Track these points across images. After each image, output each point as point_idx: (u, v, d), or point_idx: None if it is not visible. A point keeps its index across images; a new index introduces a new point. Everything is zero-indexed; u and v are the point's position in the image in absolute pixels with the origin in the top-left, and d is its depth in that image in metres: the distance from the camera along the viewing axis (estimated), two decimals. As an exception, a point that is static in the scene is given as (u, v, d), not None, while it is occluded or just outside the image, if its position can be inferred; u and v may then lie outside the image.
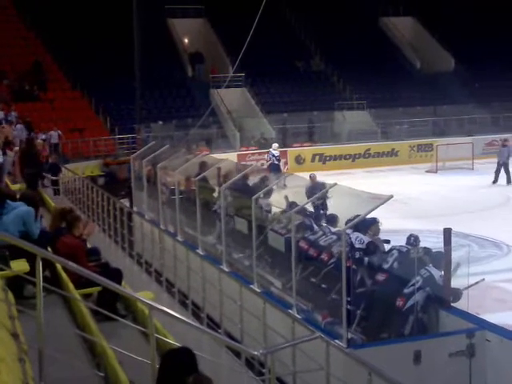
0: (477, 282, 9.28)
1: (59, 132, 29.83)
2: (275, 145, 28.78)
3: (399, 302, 9.03)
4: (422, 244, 9.97)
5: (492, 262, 14.71)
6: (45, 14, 36.96)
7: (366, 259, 9.67)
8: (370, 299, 9.33)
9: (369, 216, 9.32)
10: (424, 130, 35.55)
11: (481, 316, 8.90)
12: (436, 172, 30.50)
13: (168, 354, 5.12)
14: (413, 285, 9.00)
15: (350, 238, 9.56)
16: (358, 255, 9.59)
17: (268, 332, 8.77)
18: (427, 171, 30.95)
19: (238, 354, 8.42)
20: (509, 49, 41.18)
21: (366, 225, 9.91)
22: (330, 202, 11.72)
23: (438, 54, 42.42)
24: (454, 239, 9.15)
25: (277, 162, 27.92)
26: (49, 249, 8.67)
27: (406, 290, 9.05)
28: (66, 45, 35.85)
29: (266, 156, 29.30)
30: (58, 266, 8.28)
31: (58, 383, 5.66)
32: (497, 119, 37.01)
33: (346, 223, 9.74)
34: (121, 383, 5.58)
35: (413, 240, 9.96)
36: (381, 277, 9.41)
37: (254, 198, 11.13)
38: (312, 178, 16.35)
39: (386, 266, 9.54)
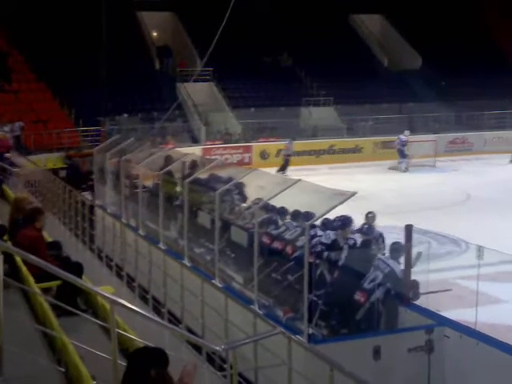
0: (440, 291, 9.45)
1: (21, 123, 29.44)
2: (407, 131, 31.16)
3: (360, 298, 9.12)
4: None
5: (451, 258, 14.92)
6: (9, 4, 36.36)
7: (326, 253, 9.76)
8: (329, 294, 9.41)
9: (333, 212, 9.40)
10: (389, 126, 35.79)
11: (440, 312, 9.02)
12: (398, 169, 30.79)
13: (137, 352, 5.09)
14: (373, 280, 9.11)
15: (319, 235, 9.69)
16: (319, 248, 9.69)
17: (229, 327, 8.79)
18: (390, 168, 31.23)
19: (199, 349, 8.43)
20: (473, 48, 41.77)
21: (344, 223, 10.03)
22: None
23: (405, 51, 42.71)
24: (413, 236, 9.26)
25: (401, 148, 30.55)
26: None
27: (366, 286, 9.15)
28: (31, 36, 35.37)
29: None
30: (18, 259, 8.19)
31: (18, 379, 5.62)
32: (460, 118, 37.46)
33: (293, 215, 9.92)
34: (82, 378, 5.55)
35: (366, 228, 10.10)
36: (336, 273, 9.52)
37: (218, 192, 11.14)
38: (370, 218, 11.66)
39: (340, 263, 9.66)
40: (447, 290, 9.64)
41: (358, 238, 9.89)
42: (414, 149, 30.92)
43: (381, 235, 10.59)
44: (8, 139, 25.41)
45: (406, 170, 30.30)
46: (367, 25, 44.80)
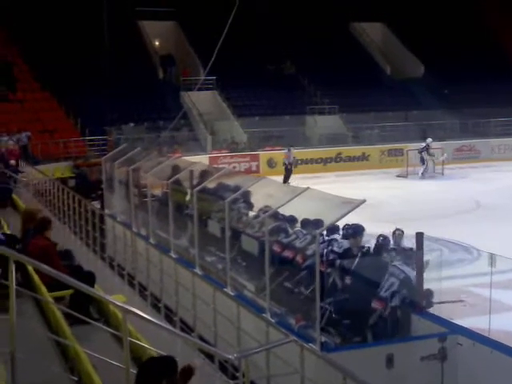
0: (455, 301, 9.40)
1: (28, 133, 29.55)
2: (429, 139, 31.26)
3: (378, 307, 9.06)
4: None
5: (462, 266, 14.86)
6: (14, 14, 36.57)
7: (338, 261, 9.71)
8: (341, 302, 9.36)
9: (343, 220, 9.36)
10: (395, 134, 35.80)
11: (453, 320, 8.97)
12: (406, 177, 30.76)
13: (147, 362, 5.07)
14: (389, 288, 9.06)
15: (330, 243, 9.64)
16: (331, 256, 9.65)
17: (242, 335, 8.75)
18: (398, 176, 31.21)
19: (211, 357, 8.39)
20: (477, 55, 41.76)
21: (356, 231, 9.98)
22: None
23: (407, 59, 42.80)
24: (425, 243, 9.22)
25: (419, 154, 30.78)
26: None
27: (383, 294, 9.10)
28: (35, 45, 35.56)
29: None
30: (30, 268, 8.19)
31: (31, 387, 5.60)
32: (466, 125, 37.43)
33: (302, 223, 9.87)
34: (95, 387, 5.54)
35: (381, 240, 10.03)
36: (347, 280, 9.46)
37: (227, 201, 11.13)
38: (398, 235, 11.04)
39: (351, 270, 9.61)
40: (460, 301, 9.57)
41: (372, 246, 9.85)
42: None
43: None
44: (17, 149, 25.53)
45: (422, 176, 30.33)
46: (368, 33, 44.94)
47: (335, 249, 9.74)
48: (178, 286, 10.61)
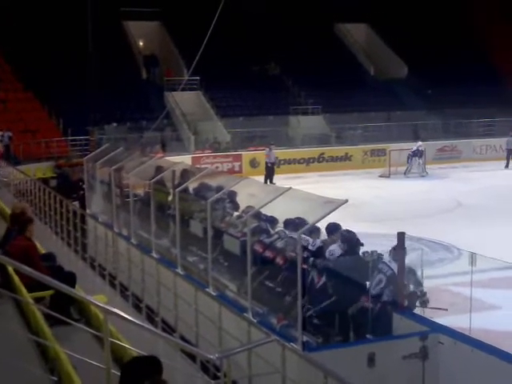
0: (439, 308, 9.45)
1: (9, 133, 29.38)
2: (419, 141, 32.08)
3: (368, 305, 9.07)
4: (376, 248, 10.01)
5: (443, 265, 14.96)
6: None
7: (312, 259, 9.71)
8: (321, 301, 9.35)
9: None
10: (378, 135, 35.95)
11: (433, 319, 9.01)
12: (389, 177, 30.89)
13: (131, 362, 5.05)
14: (378, 284, 9.10)
15: (307, 240, 9.64)
16: (305, 254, 9.66)
17: (223, 335, 8.75)
18: (380, 176, 31.34)
19: (193, 357, 8.38)
20: (460, 56, 42.02)
21: (331, 230, 9.99)
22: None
23: (391, 60, 43.02)
24: (406, 243, 9.26)
25: (411, 153, 31.36)
26: None
27: (372, 291, 9.13)
28: (18, 45, 35.35)
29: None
30: (10, 269, 8.14)
31: (11, 388, 5.56)
32: (448, 126, 37.68)
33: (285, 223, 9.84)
34: (75, 388, 5.51)
35: (346, 234, 10.00)
36: (324, 280, 9.47)
37: (209, 201, 11.12)
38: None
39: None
40: (444, 309, 9.61)
41: (337, 247, 9.79)
42: (404, 156, 31.18)
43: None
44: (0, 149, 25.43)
45: (404, 174, 30.58)
46: (352, 34, 45.12)
47: (309, 247, 9.75)
48: (160, 287, 10.59)
